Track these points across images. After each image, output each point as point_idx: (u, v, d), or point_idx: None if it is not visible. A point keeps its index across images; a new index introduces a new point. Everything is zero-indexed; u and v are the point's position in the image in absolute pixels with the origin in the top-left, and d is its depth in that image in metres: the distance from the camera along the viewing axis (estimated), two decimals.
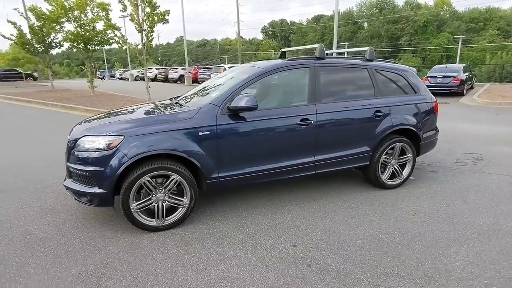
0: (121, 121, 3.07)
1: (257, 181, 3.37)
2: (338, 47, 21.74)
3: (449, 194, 3.84)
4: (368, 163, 3.84)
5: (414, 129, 3.95)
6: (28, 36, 15.76)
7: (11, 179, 4.44)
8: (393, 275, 2.37)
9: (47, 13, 13.11)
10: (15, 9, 14.98)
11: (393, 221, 3.19)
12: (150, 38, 10.67)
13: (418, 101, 4.08)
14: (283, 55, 4.39)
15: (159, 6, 10.35)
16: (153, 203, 2.94)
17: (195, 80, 26.08)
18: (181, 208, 3.05)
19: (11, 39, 15.42)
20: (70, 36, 12.66)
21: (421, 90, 4.15)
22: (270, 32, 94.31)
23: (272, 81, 3.56)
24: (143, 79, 32.05)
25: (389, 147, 3.84)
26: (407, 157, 4.01)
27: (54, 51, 16.77)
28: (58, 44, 15.96)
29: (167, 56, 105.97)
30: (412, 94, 4.08)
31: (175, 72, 29.60)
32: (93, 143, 2.83)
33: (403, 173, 4.04)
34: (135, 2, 10.19)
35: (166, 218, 3.01)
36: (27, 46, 15.72)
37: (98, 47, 14.65)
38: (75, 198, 3.02)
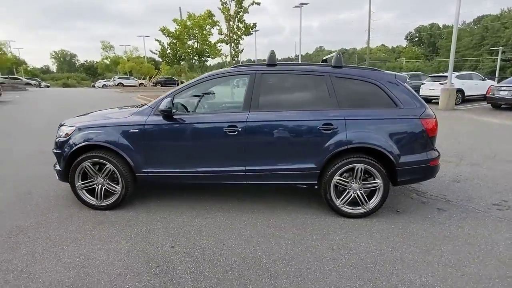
0: (84, 116, 3.83)
1: (186, 182, 3.53)
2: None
3: (425, 245, 2.97)
4: (316, 182, 3.38)
5: (381, 150, 3.22)
6: (169, 50, 19.79)
7: None
8: None
9: (173, 31, 16.28)
10: (162, 29, 19.06)
11: (301, 248, 2.78)
12: (237, 49, 11.76)
13: (395, 116, 3.29)
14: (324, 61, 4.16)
15: (245, 20, 11.33)
16: (95, 186, 3.55)
17: None
18: (115, 194, 3.55)
19: (156, 53, 19.83)
20: (187, 50, 15.27)
21: (406, 103, 3.31)
22: (416, 39, 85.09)
23: (215, 87, 3.64)
24: None
25: (345, 168, 3.27)
26: (375, 183, 3.29)
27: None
28: (186, 57, 19.39)
29: None
30: (390, 108, 3.32)
31: None
32: (62, 132, 3.67)
33: (369, 202, 3.34)
34: (228, 18, 11.45)
35: (104, 200, 3.56)
36: (166, 59, 19.79)
37: (209, 59, 17.05)
38: None
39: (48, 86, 46.09)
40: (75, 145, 3.46)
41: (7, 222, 3.23)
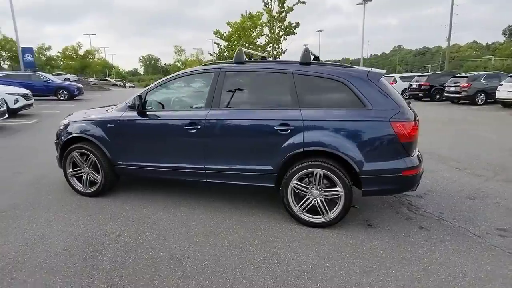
0: (83, 111, 4.24)
1: (152, 176, 3.68)
2: None
3: (371, 265, 2.61)
4: (273, 185, 3.20)
5: (339, 154, 2.90)
6: (226, 52, 20.65)
7: None
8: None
9: (225, 34, 16.93)
10: (215, 32, 19.96)
11: (232, 252, 2.69)
12: (279, 50, 11.66)
13: (361, 117, 2.92)
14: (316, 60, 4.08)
15: (286, 19, 11.16)
16: (82, 174, 3.93)
17: None
18: (98, 183, 3.87)
19: (213, 55, 20.85)
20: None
21: (376, 104, 2.92)
22: None
23: (185, 85, 3.70)
24: None
25: (303, 172, 3.03)
26: (336, 191, 2.98)
27: None
28: None
29: (377, 66, 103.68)
30: (357, 108, 2.96)
31: None
32: (61, 124, 4.14)
33: (330, 211, 3.04)
34: (270, 19, 11.46)
35: (89, 188, 3.92)
36: (223, 60, 20.71)
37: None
38: None
39: (133, 87, 51.78)
40: (65, 136, 3.88)
41: (6, 201, 3.78)
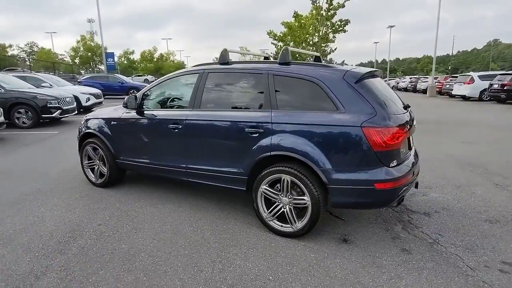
0: (103, 109, 4.67)
1: (149, 173, 3.88)
2: None
3: (312, 284, 2.37)
4: (245, 189, 3.11)
5: (305, 161, 2.68)
6: None
7: None
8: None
9: (279, 34, 16.80)
10: (268, 33, 19.97)
11: (170, 253, 2.70)
12: (326, 48, 11.16)
13: (331, 121, 2.64)
14: (317, 60, 3.97)
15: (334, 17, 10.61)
16: (95, 166, 4.35)
17: (440, 92, 22.32)
18: (105, 175, 4.24)
19: (271, 55, 21.02)
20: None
21: (350, 107, 2.60)
22: None
23: (179, 85, 3.81)
24: (399, 90, 31.54)
25: (271, 177, 2.89)
26: (303, 200, 2.77)
27: None
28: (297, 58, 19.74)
29: (465, 63, 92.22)
30: (329, 112, 2.69)
31: (424, 82, 26.52)
32: (83, 120, 4.64)
33: (298, 221, 2.84)
34: (317, 17, 11.07)
35: (99, 179, 4.32)
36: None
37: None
38: None
39: None
40: (82, 131, 4.35)
41: (34, 186, 4.38)
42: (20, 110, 9.17)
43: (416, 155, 3.31)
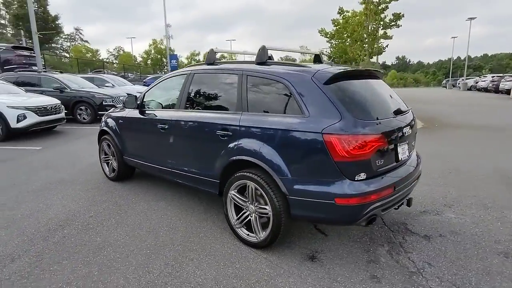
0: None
1: (146, 171, 4.03)
2: None
3: None
4: (217, 193, 3.02)
5: (265, 168, 2.48)
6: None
7: None
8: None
9: (330, 32, 16.00)
10: (320, 31, 19.20)
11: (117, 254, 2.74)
12: (375, 46, 10.31)
13: (293, 126, 2.39)
14: (317, 59, 3.79)
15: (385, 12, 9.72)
16: (109, 161, 4.69)
17: None
18: (116, 169, 4.54)
19: (325, 55, 20.32)
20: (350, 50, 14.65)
21: (315, 111, 2.33)
22: None
23: (173, 86, 3.85)
24: (479, 90, 27.80)
25: (238, 182, 2.76)
26: (265, 210, 2.58)
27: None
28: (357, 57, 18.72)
29: None
30: (294, 115, 2.45)
31: (508, 81, 22.88)
32: (103, 117, 5.02)
33: (262, 232, 2.66)
34: (367, 13, 10.33)
35: (111, 173, 4.64)
36: (335, 59, 19.89)
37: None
38: None
39: None
40: (99, 128, 4.72)
41: (59, 176, 4.88)
42: (81, 107, 10.37)
43: (417, 165, 2.87)
